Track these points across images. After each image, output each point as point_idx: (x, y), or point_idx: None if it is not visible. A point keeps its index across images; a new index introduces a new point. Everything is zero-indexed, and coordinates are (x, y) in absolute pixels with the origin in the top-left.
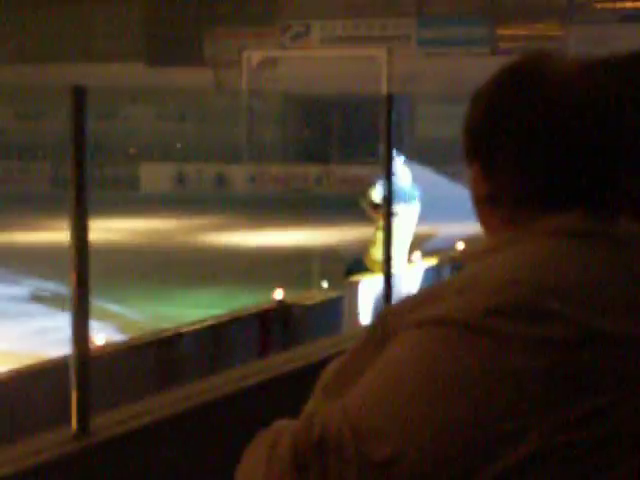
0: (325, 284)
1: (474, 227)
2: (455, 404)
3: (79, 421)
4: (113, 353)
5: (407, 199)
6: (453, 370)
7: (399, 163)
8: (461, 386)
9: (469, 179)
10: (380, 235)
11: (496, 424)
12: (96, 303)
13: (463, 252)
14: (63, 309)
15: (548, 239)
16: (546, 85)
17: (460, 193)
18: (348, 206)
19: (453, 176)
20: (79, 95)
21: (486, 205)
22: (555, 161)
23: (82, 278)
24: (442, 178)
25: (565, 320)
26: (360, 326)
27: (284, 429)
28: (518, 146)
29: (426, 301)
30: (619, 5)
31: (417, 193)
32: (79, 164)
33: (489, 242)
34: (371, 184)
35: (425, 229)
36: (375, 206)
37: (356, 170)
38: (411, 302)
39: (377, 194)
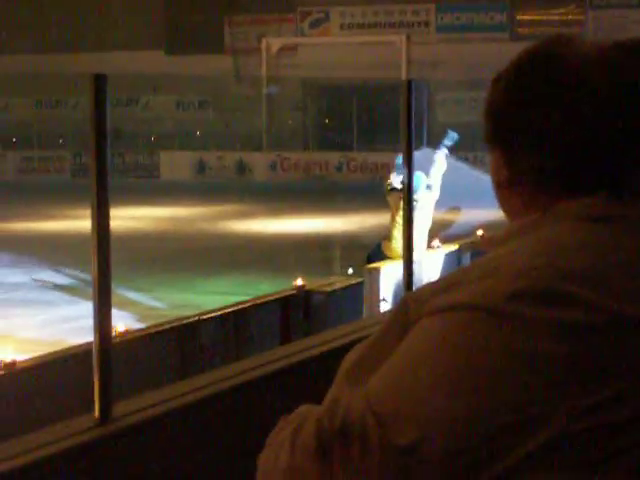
0: (351, 270)
1: (494, 213)
2: (478, 389)
3: (101, 408)
4: (135, 340)
5: (428, 186)
6: (476, 355)
7: (441, 154)
8: (484, 371)
9: (490, 164)
10: (396, 232)
11: (519, 409)
12: (118, 291)
13: (484, 238)
14: (86, 297)
15: (569, 223)
16: (566, 69)
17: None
18: (369, 193)
19: (474, 162)
20: (99, 83)
21: (507, 190)
22: (575, 144)
23: (104, 266)
24: (462, 164)
25: (587, 305)
26: (381, 313)
27: (307, 415)
28: (538, 130)
29: (448, 287)
30: None
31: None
32: (100, 152)
33: (510, 227)
34: (392, 169)
35: (445, 215)
36: (391, 190)
37: (376, 157)
38: (433, 288)
39: (395, 179)
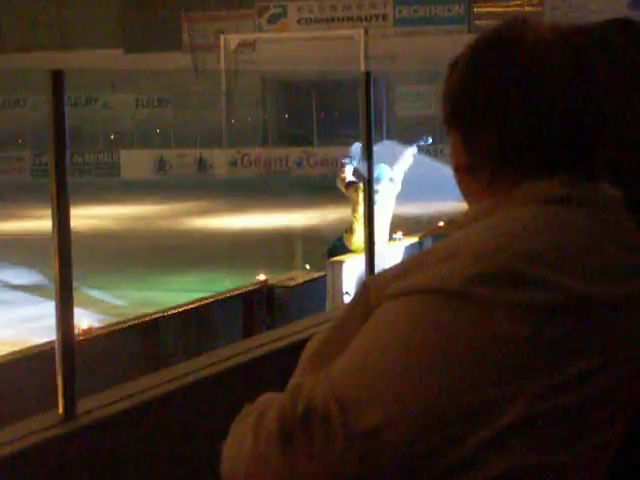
0: (308, 266)
1: (457, 205)
2: (440, 372)
3: (65, 405)
4: (98, 338)
5: (390, 179)
6: (437, 338)
7: (411, 151)
8: (445, 354)
9: (450, 148)
10: (357, 224)
11: (482, 391)
12: (80, 290)
13: (446, 222)
14: (48, 297)
15: (529, 206)
16: (522, 50)
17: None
18: (329, 188)
19: (434, 154)
20: (58, 78)
21: (466, 174)
22: (532, 126)
23: (65, 265)
24: (423, 157)
25: (547, 285)
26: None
27: (270, 402)
28: (495, 112)
29: (408, 271)
30: None
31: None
32: (59, 148)
33: (470, 210)
34: (343, 164)
35: (408, 209)
36: (348, 184)
37: (337, 151)
38: (393, 272)
39: (348, 173)
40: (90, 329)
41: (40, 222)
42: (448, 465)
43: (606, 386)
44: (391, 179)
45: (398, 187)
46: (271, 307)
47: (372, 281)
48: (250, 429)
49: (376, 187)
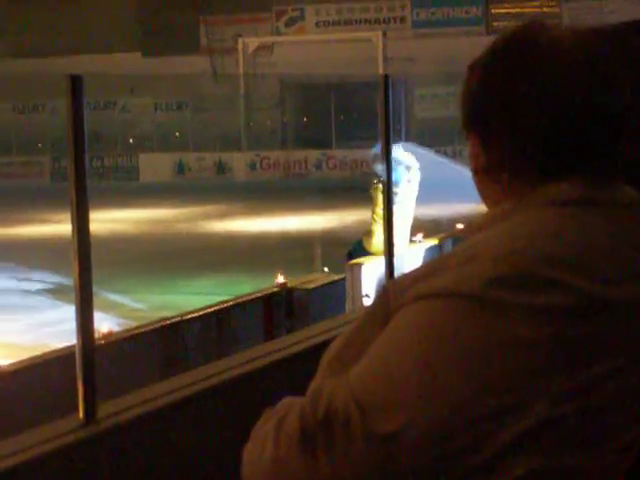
0: (326, 269)
1: (476, 207)
2: (460, 375)
3: (86, 409)
4: (118, 342)
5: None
6: (457, 342)
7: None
8: (465, 357)
9: (468, 151)
10: (376, 227)
11: (502, 394)
12: (100, 294)
13: (465, 225)
14: (68, 301)
15: (547, 208)
16: (540, 52)
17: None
18: (348, 190)
19: (452, 156)
20: (76, 84)
21: (485, 176)
22: (550, 128)
23: (85, 269)
24: (443, 159)
25: (566, 288)
26: (363, 308)
27: (291, 406)
28: (513, 114)
29: (428, 274)
30: None
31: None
32: (78, 153)
33: (489, 213)
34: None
35: (427, 211)
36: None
37: (355, 154)
38: (413, 276)
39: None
40: (110, 333)
41: (59, 226)
42: (469, 468)
43: (627, 388)
44: (409, 180)
45: (416, 189)
46: (290, 310)
47: (392, 285)
48: (271, 433)
49: (395, 190)
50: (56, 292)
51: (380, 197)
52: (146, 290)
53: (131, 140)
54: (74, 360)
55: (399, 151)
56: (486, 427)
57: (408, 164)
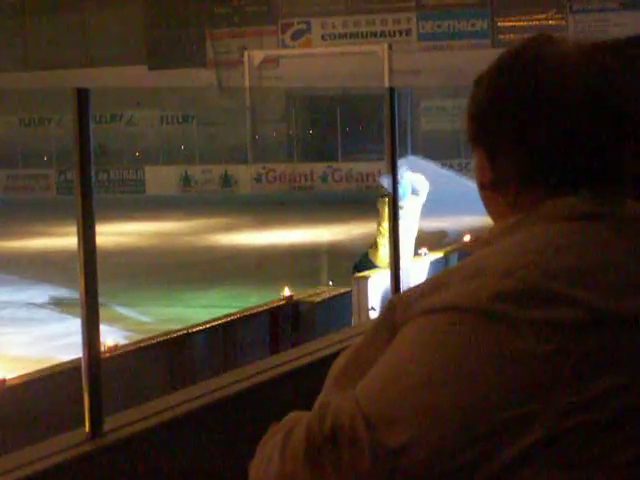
0: (331, 283)
1: (482, 220)
2: (466, 389)
3: (92, 423)
4: (124, 355)
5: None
6: (463, 356)
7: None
8: (471, 371)
9: (474, 165)
10: (382, 240)
11: (508, 408)
12: (106, 307)
13: (471, 240)
14: (74, 314)
15: (554, 222)
16: (546, 67)
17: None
18: (354, 202)
19: (458, 169)
20: (82, 97)
21: (491, 191)
22: (557, 143)
23: (91, 282)
24: (448, 172)
25: (573, 303)
26: (369, 321)
27: (297, 420)
28: (519, 129)
29: (434, 289)
30: None
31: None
32: (84, 166)
33: (495, 228)
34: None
35: (435, 224)
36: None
37: (361, 167)
38: (419, 290)
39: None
40: (116, 346)
41: (66, 239)
42: None
43: (633, 403)
44: (414, 191)
45: (423, 199)
46: (296, 323)
47: (398, 299)
48: (277, 448)
49: (400, 203)
50: (62, 305)
51: (386, 210)
52: (152, 303)
53: (137, 153)
54: (80, 373)
55: (408, 174)
56: (493, 441)
57: (416, 187)
